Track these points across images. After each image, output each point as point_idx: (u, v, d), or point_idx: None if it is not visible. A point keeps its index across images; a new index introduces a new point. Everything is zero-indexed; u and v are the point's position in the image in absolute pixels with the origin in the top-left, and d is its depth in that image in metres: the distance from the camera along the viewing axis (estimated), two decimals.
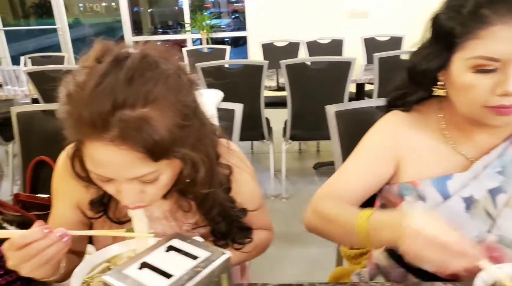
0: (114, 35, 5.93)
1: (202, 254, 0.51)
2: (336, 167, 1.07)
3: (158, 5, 7.51)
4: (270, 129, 2.70)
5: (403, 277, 0.85)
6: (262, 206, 0.88)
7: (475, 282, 0.59)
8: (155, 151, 0.59)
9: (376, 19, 4.45)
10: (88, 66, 0.59)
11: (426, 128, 0.79)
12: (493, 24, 0.63)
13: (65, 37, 5.19)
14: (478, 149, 0.76)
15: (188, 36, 5.15)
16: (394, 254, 0.88)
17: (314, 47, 3.74)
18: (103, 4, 7.99)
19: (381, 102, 1.06)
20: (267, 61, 2.40)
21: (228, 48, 3.58)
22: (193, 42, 5.25)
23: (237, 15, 6.77)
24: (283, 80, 2.46)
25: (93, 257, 0.69)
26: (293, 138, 2.60)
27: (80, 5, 7.87)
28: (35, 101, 2.81)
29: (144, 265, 0.50)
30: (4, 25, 5.20)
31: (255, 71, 2.41)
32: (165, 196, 0.75)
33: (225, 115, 1.15)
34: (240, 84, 2.37)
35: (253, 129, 2.56)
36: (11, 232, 0.61)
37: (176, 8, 6.50)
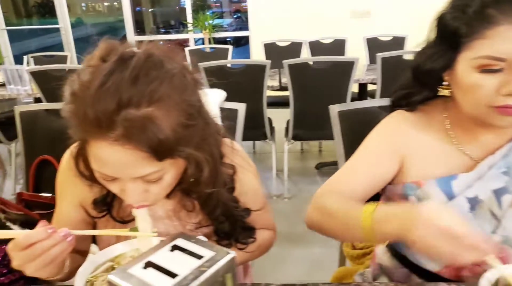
0: (116, 34, 5.94)
1: (207, 253, 0.51)
2: (339, 167, 1.07)
3: (160, 5, 7.52)
4: (272, 129, 2.70)
5: (407, 278, 0.85)
6: (265, 206, 0.88)
7: (480, 282, 0.58)
8: (160, 151, 0.59)
9: (378, 19, 4.44)
10: (93, 65, 0.59)
11: (430, 128, 0.79)
12: (499, 24, 0.63)
13: (67, 36, 5.20)
14: (483, 149, 0.76)
15: (190, 35, 5.15)
16: (397, 254, 0.87)
17: (316, 47, 3.74)
18: (106, 3, 8.01)
19: (385, 102, 1.06)
20: (269, 61, 2.40)
21: (230, 48, 3.59)
22: (195, 41, 5.26)
23: (239, 14, 6.78)
24: (286, 80, 2.46)
25: (96, 256, 0.69)
26: (295, 138, 2.59)
27: (83, 4, 7.89)
28: (37, 100, 2.82)
29: (149, 264, 0.50)
30: (7, 25, 5.22)
31: (258, 71, 2.41)
32: (168, 196, 0.75)
33: (228, 115, 1.15)
34: (242, 83, 2.36)
35: (255, 129, 2.56)
36: (15, 233, 0.61)
37: (177, 8, 6.51)
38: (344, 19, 4.47)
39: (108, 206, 0.77)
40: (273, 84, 2.71)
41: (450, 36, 0.68)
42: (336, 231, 0.75)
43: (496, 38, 0.63)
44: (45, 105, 1.26)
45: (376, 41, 3.72)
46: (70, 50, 5.16)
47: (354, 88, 2.49)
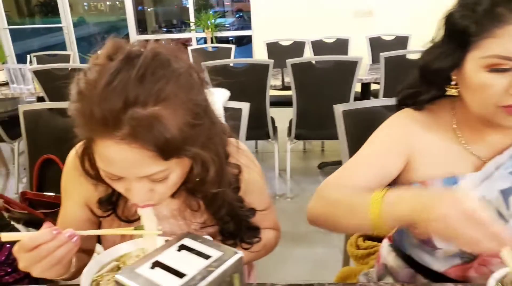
0: (118, 34, 5.94)
1: (214, 253, 0.51)
2: None
3: (162, 4, 7.52)
4: (275, 128, 2.69)
5: (412, 278, 0.84)
6: (270, 206, 0.87)
7: (489, 281, 0.58)
8: (166, 150, 0.58)
9: (381, 18, 4.43)
10: (100, 63, 0.59)
11: (438, 128, 0.79)
12: (509, 23, 0.62)
13: (70, 35, 5.20)
14: (490, 149, 0.75)
15: (192, 35, 5.15)
16: (402, 254, 0.87)
17: (319, 47, 3.73)
18: (108, 3, 8.01)
19: (389, 101, 1.06)
20: (272, 60, 2.40)
21: (233, 47, 3.58)
22: (197, 41, 5.25)
23: (241, 14, 6.77)
24: (289, 79, 2.45)
25: (102, 256, 0.69)
26: (298, 137, 2.59)
27: (85, 4, 7.90)
28: (40, 99, 2.82)
29: (156, 264, 0.50)
30: (9, 24, 5.23)
31: (261, 70, 2.40)
32: (173, 195, 0.75)
33: (232, 114, 1.15)
34: (245, 83, 2.36)
35: (258, 128, 2.56)
36: (21, 235, 0.61)
37: (176, 6, 6.50)
38: (347, 18, 4.46)
39: (113, 205, 0.77)
40: (275, 83, 2.70)
41: (458, 35, 0.68)
42: (341, 220, 0.72)
43: (506, 37, 0.62)
44: (49, 104, 1.27)
45: (379, 41, 3.71)
46: (72, 49, 5.17)
47: (356, 87, 2.49)
